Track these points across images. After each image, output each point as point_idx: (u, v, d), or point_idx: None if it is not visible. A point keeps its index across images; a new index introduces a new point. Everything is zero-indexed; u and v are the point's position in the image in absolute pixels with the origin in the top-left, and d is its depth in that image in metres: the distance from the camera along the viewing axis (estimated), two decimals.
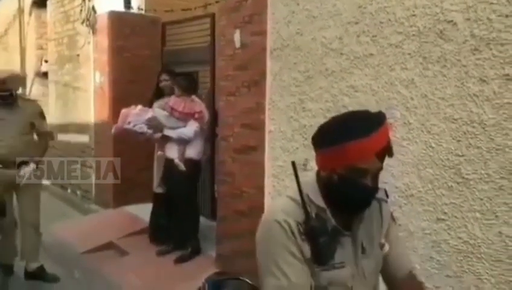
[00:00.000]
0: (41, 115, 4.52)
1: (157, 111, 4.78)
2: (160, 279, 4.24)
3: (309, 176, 1.59)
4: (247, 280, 2.16)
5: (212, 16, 5.45)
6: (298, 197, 1.47)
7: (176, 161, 4.61)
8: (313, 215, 1.47)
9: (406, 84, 2.70)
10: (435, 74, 2.56)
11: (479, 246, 2.37)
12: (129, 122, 4.70)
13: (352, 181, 1.41)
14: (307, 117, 3.36)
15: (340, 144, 1.37)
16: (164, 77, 5.10)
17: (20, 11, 9.55)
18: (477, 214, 2.39)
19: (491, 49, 2.32)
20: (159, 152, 4.92)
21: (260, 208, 3.74)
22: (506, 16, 2.25)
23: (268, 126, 3.67)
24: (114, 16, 6.17)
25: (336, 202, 1.46)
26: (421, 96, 2.63)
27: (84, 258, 4.97)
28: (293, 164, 1.51)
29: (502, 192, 2.30)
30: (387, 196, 1.61)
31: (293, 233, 1.45)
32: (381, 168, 1.45)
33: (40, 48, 9.07)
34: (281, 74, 3.53)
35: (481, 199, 2.37)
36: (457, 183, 2.47)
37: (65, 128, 7.55)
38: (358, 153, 1.37)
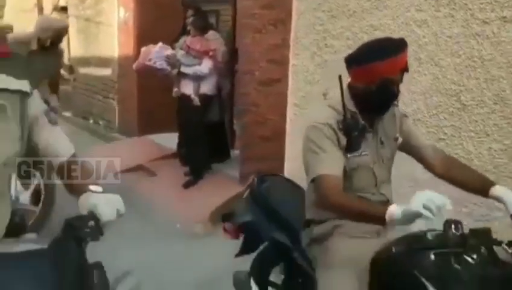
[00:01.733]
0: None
1: (177, 50, 5.18)
2: (189, 194, 4.82)
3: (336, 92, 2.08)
4: (285, 176, 2.71)
5: None
6: (335, 105, 1.97)
7: (192, 96, 5.06)
8: (348, 116, 1.98)
9: (419, 24, 3.15)
10: (444, 15, 3.01)
11: (472, 159, 2.91)
12: (150, 59, 5.10)
13: (386, 89, 1.90)
14: (329, 53, 3.81)
15: (378, 61, 1.86)
16: (190, 13, 5.45)
17: None
18: (472, 134, 2.91)
19: None
20: (175, 89, 5.33)
21: (282, 134, 4.27)
22: None
23: (292, 60, 4.13)
24: None
25: (368, 106, 1.96)
26: (432, 34, 3.09)
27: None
28: (340, 77, 1.99)
29: (494, 115, 2.82)
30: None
31: (333, 129, 1.95)
32: (402, 80, 1.95)
33: None
34: (306, 13, 3.95)
35: (476, 121, 2.89)
36: (457, 108, 2.98)
37: (87, 61, 7.95)
38: (391, 68, 1.86)
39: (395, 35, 3.27)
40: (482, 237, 1.59)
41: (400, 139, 2.11)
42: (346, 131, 1.93)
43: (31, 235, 1.70)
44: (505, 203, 1.83)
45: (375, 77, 1.89)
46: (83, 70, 8.05)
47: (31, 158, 1.61)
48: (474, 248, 1.59)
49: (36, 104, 1.58)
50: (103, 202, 1.36)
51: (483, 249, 1.60)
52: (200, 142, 5.14)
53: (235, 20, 5.95)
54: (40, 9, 10.01)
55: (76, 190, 1.51)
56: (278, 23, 4.23)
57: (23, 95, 1.53)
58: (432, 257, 1.65)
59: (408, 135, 2.13)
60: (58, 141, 1.61)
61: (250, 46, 4.56)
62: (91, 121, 7.96)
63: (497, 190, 1.91)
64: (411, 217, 1.57)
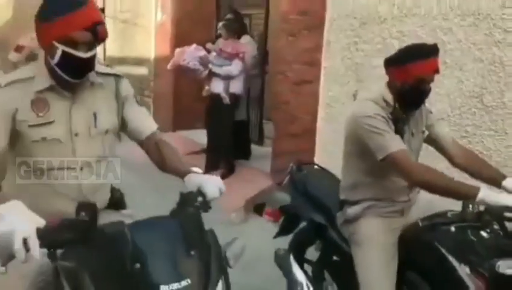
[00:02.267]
0: None
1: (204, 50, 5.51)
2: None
3: (375, 90, 2.37)
4: (321, 166, 3.02)
5: None
6: (378, 101, 2.25)
7: (222, 94, 5.40)
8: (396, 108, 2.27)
9: (445, 32, 3.43)
10: (469, 24, 3.29)
11: (491, 155, 3.17)
12: (184, 60, 5.44)
13: (421, 87, 2.20)
14: (359, 56, 4.11)
15: (414, 62, 2.15)
16: (229, 16, 5.77)
17: None
18: (492, 132, 3.18)
19: None
20: (206, 87, 5.63)
21: (312, 131, 4.59)
22: None
23: (324, 63, 4.44)
24: None
25: (405, 102, 2.25)
26: (457, 41, 3.37)
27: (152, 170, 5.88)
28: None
29: None
30: None
31: (385, 118, 2.22)
32: (433, 80, 2.24)
33: None
34: (339, 19, 4.26)
35: (496, 121, 3.16)
36: (479, 109, 3.25)
37: (122, 60, 8.35)
38: (425, 69, 2.15)
39: (423, 41, 3.58)
40: (495, 214, 1.87)
41: (426, 132, 2.40)
42: (394, 121, 2.22)
43: (128, 211, 2.02)
44: None
45: (411, 76, 2.18)
46: (118, 68, 8.44)
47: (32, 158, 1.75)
48: (488, 223, 1.88)
49: (126, 87, 1.93)
50: (208, 182, 1.66)
51: (495, 224, 1.88)
52: (227, 139, 5.48)
53: (267, 24, 6.30)
54: None
55: (172, 169, 1.83)
56: (312, 28, 4.54)
57: (117, 78, 1.89)
58: (453, 229, 1.93)
59: (432, 129, 2.42)
60: (144, 118, 1.96)
61: (284, 49, 4.87)
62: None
63: (508, 182, 2.19)
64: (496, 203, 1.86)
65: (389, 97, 2.28)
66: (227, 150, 5.61)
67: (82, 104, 1.79)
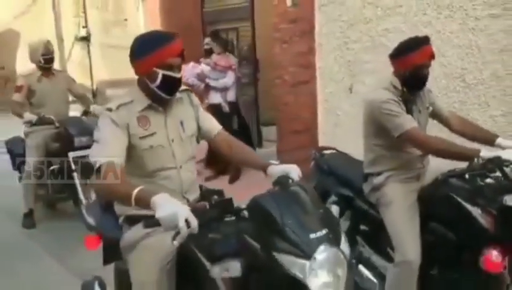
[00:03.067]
0: (74, 80, 5.43)
1: (204, 67, 6.00)
2: (235, 187, 5.60)
3: (383, 79, 2.88)
4: (338, 149, 3.51)
5: None
6: (388, 87, 2.75)
7: (223, 104, 5.89)
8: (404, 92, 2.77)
9: (425, 25, 3.98)
10: (445, 16, 3.85)
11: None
12: (183, 77, 5.89)
13: (421, 72, 2.70)
14: (350, 54, 4.64)
15: (412, 52, 2.66)
16: (208, 40, 6.26)
17: None
18: (476, 106, 3.73)
19: None
20: (205, 100, 6.03)
21: (313, 127, 5.09)
22: None
23: (318, 64, 4.96)
24: None
25: (410, 86, 2.75)
26: (436, 32, 3.91)
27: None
28: None
29: (491, 90, 3.64)
30: None
31: (397, 102, 2.70)
32: (430, 65, 2.75)
33: (77, 15, 10.11)
34: (328, 24, 4.79)
35: (478, 96, 3.71)
36: (462, 87, 3.80)
37: (114, 83, 8.72)
38: (422, 56, 2.67)
39: (407, 36, 4.10)
40: (496, 162, 2.39)
41: (430, 108, 2.92)
42: (404, 102, 2.72)
43: None
44: (506, 148, 2.63)
45: (411, 64, 2.69)
46: (110, 92, 8.83)
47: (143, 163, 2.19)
48: (491, 169, 2.40)
49: (195, 98, 2.39)
50: (291, 169, 2.09)
51: (497, 170, 2.40)
52: None
53: (254, 35, 6.81)
54: (60, 40, 10.80)
55: (253, 162, 2.29)
56: (303, 34, 5.04)
57: (188, 92, 2.35)
58: (463, 178, 2.45)
59: (434, 105, 2.94)
60: (211, 121, 2.42)
61: (279, 55, 5.37)
62: None
63: (500, 140, 2.72)
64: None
65: (397, 83, 2.78)
66: None
67: (172, 116, 2.24)
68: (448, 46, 3.85)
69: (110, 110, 2.12)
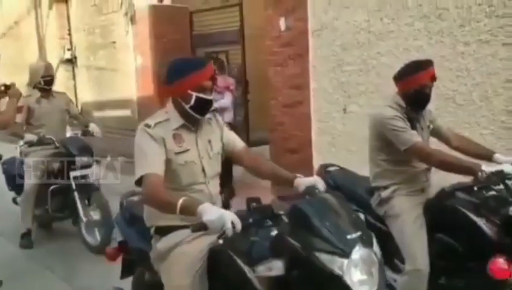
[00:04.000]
0: (72, 101, 5.59)
1: None
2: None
3: (389, 97, 3.09)
4: (340, 166, 3.68)
5: (240, 5, 6.87)
6: (392, 105, 2.95)
7: None
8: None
9: (417, 49, 4.25)
10: (436, 41, 4.12)
11: None
12: None
13: (424, 92, 2.92)
14: (344, 77, 4.88)
15: (419, 74, 2.87)
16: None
17: (37, 4, 10.56)
18: (467, 125, 3.99)
19: (471, 24, 3.89)
20: None
21: (308, 146, 5.28)
22: (479, 5, 3.82)
23: (312, 85, 5.18)
24: (153, 8, 7.48)
25: (414, 104, 2.95)
26: (427, 56, 4.15)
27: None
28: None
29: (481, 110, 3.90)
30: None
31: (403, 119, 2.91)
32: (433, 85, 2.97)
33: (62, 37, 10.14)
34: (321, 47, 5.03)
35: (468, 116, 3.97)
36: (453, 108, 4.06)
37: (101, 105, 8.78)
38: (426, 77, 2.88)
39: (399, 59, 4.39)
40: (499, 175, 2.60)
41: (431, 126, 3.14)
42: (409, 119, 2.93)
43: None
44: (503, 162, 2.86)
45: (415, 84, 2.90)
46: (97, 114, 8.88)
47: (178, 177, 2.37)
48: (495, 182, 2.61)
49: (220, 119, 2.54)
50: (317, 181, 2.27)
51: (500, 183, 2.62)
52: (227, 164, 6.05)
53: (244, 58, 7.03)
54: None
55: (280, 177, 2.45)
56: (296, 57, 5.27)
57: (215, 112, 2.52)
58: (475, 188, 2.66)
59: (434, 123, 3.16)
60: (235, 138, 2.58)
61: (273, 77, 5.56)
62: (108, 159, 8.69)
63: (497, 156, 2.95)
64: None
65: (401, 102, 2.99)
66: (228, 175, 6.20)
67: (202, 135, 2.41)
68: (440, 69, 4.06)
69: (148, 126, 2.27)
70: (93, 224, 4.77)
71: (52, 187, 4.87)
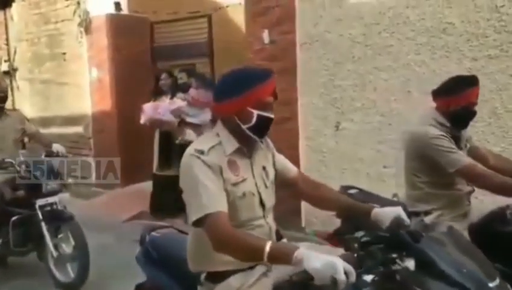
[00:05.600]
0: (27, 119, 5.03)
1: (180, 102, 5.72)
2: None
3: (424, 114, 2.88)
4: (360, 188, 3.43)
5: (209, 17, 6.52)
6: (435, 124, 2.75)
7: None
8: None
9: (419, 64, 4.12)
10: (440, 56, 4.00)
11: None
12: (159, 113, 5.63)
13: (470, 110, 2.73)
14: (337, 92, 4.66)
15: (468, 90, 2.69)
16: (164, 76, 6.02)
17: None
18: (476, 143, 3.79)
19: (478, 39, 3.80)
20: (180, 137, 5.76)
21: (296, 164, 4.97)
22: (488, 20, 3.75)
23: (301, 100, 4.91)
24: (111, 18, 6.95)
25: (458, 122, 2.76)
26: (431, 71, 4.06)
27: (126, 226, 5.85)
28: None
29: (490, 127, 3.82)
30: None
31: (448, 138, 2.70)
32: (477, 103, 2.79)
33: None
34: (311, 61, 4.79)
35: (477, 133, 3.84)
36: None
37: (49, 121, 8.01)
38: (473, 95, 2.70)
39: (398, 74, 4.25)
40: None
41: (468, 145, 2.96)
42: (454, 139, 2.72)
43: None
44: None
45: (463, 102, 2.71)
46: (43, 130, 8.09)
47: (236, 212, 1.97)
48: None
49: (270, 141, 2.18)
50: (400, 212, 1.95)
51: None
52: None
53: (213, 71, 6.66)
54: None
55: (354, 207, 2.14)
56: (283, 71, 4.97)
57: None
58: None
59: (470, 142, 2.99)
60: (286, 162, 2.22)
61: None
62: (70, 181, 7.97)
63: None
64: None
65: (443, 120, 2.78)
66: None
67: (256, 161, 2.03)
68: None
69: (201, 153, 1.87)
70: (64, 258, 4.17)
71: (13, 218, 4.22)
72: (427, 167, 2.77)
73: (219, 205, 1.81)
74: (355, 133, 4.59)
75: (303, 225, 5.05)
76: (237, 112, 1.92)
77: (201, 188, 1.82)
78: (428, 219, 2.78)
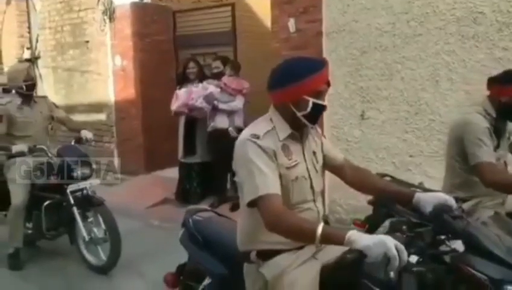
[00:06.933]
0: (55, 105, 5.05)
1: (213, 88, 5.75)
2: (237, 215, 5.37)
3: (475, 106, 2.89)
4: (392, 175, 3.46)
5: (233, 5, 6.54)
6: (482, 112, 2.76)
7: (230, 129, 5.68)
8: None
9: (448, 54, 4.12)
10: (470, 46, 4.00)
11: None
12: (192, 99, 5.68)
13: None
14: (363, 81, 4.67)
15: None
16: (191, 65, 6.06)
17: None
18: None
19: (510, 29, 3.80)
20: (211, 123, 5.82)
21: None
22: None
23: None
24: (135, 6, 7.00)
25: (506, 114, 2.76)
26: (460, 60, 4.06)
27: (151, 212, 5.94)
28: None
29: None
30: None
31: (490, 134, 2.70)
32: None
33: (21, 36, 9.37)
34: (337, 50, 4.80)
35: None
36: None
37: (71, 109, 8.11)
38: None
39: (426, 64, 4.25)
40: None
41: (511, 140, 2.97)
42: (496, 130, 2.73)
43: None
44: None
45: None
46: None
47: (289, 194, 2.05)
48: None
49: (318, 128, 2.23)
50: (445, 197, 1.99)
51: None
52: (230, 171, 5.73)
53: (236, 59, 6.69)
54: None
55: (395, 192, 2.17)
56: None
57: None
58: None
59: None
60: (334, 149, 2.30)
61: None
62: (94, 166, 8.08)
63: None
64: None
65: (491, 109, 2.79)
66: (223, 183, 5.86)
67: (307, 146, 2.11)
68: (474, 74, 4.00)
69: (257, 137, 1.97)
70: (96, 242, 4.27)
71: (46, 203, 4.32)
72: (465, 154, 2.79)
73: (273, 187, 1.89)
74: (381, 122, 4.61)
75: (326, 212, 5.09)
76: (293, 100, 1.99)
77: (256, 171, 1.90)
78: (466, 205, 2.81)
